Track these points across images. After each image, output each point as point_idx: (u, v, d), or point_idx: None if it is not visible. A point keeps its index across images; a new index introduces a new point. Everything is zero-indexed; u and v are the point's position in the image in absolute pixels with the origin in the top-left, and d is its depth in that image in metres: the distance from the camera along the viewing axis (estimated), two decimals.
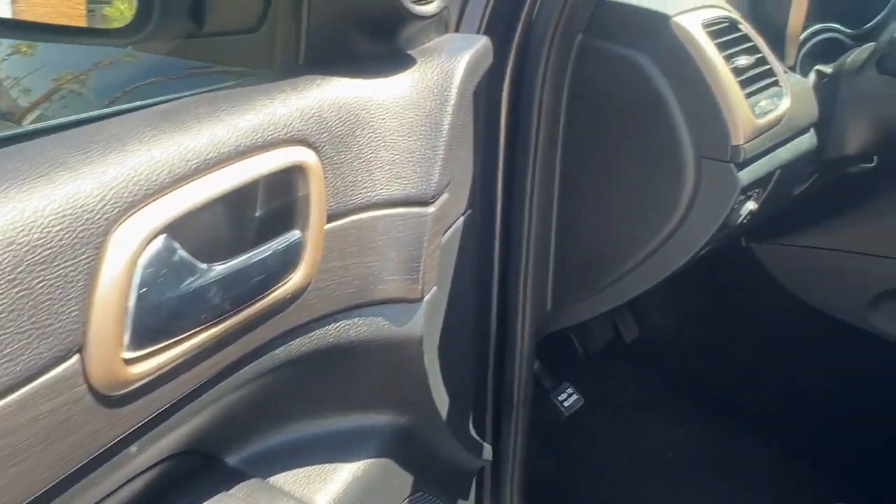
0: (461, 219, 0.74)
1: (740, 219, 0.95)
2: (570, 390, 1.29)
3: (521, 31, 0.88)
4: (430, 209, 0.61)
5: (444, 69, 0.62)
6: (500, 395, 1.06)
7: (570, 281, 1.05)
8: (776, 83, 0.95)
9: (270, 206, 0.52)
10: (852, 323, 1.53)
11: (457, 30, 0.88)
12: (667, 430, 1.66)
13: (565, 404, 1.26)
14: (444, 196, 0.62)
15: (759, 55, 0.94)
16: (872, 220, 1.48)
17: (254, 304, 0.51)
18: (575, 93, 0.95)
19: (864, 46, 1.10)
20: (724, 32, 0.91)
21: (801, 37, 1.10)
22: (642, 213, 0.97)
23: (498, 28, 0.88)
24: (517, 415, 1.09)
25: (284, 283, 0.53)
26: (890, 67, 1.01)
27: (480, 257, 0.96)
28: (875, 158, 1.18)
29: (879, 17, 1.21)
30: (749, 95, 0.90)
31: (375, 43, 0.62)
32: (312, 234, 0.54)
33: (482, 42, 0.68)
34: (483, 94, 0.90)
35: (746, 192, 0.94)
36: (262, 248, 0.51)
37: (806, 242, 1.55)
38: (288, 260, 0.53)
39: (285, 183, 0.52)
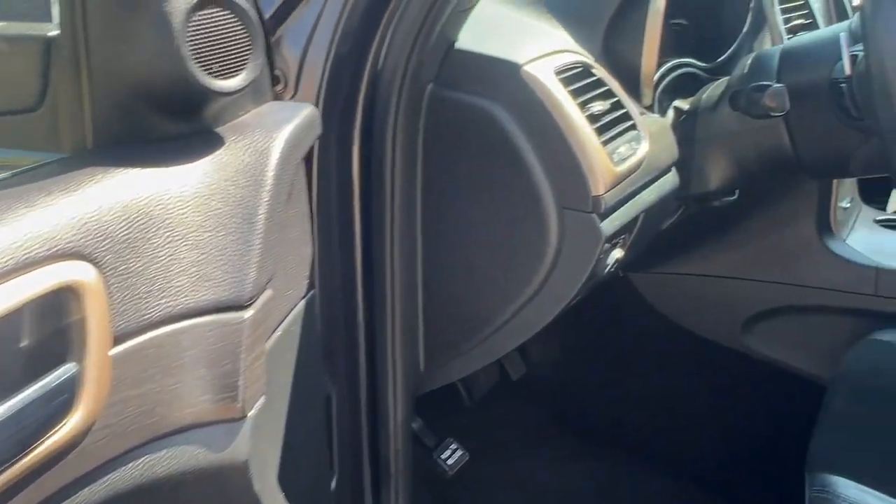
0: (300, 304, 0.66)
1: (608, 268, 0.91)
2: (453, 446, 1.22)
3: (366, 85, 0.81)
4: (248, 313, 0.53)
5: (258, 148, 0.54)
6: (377, 467, 1.00)
7: (442, 340, 1.00)
8: (633, 127, 0.92)
9: (34, 338, 0.42)
10: (728, 345, 1.55)
11: (296, 89, 0.81)
12: (559, 469, 1.63)
13: (449, 462, 1.20)
14: (266, 294, 0.54)
15: (615, 99, 0.91)
16: (741, 246, 1.50)
17: (18, 461, 0.41)
18: (430, 147, 0.89)
19: (718, 81, 1.09)
20: (577, 78, 0.87)
21: (658, 73, 1.09)
22: (508, 269, 0.92)
23: (341, 83, 0.81)
24: (396, 485, 1.02)
25: (58, 429, 0.43)
26: (741, 105, 1.00)
27: (346, 328, 0.89)
28: (737, 192, 1.19)
29: (731, 49, 1.22)
30: (606, 143, 0.87)
31: (175, 122, 0.54)
32: (93, 363, 0.45)
33: (306, 112, 0.61)
34: (332, 154, 0.83)
35: (612, 240, 0.91)
36: (25, 391, 0.42)
37: (681, 270, 1.57)
38: (61, 400, 0.43)
39: (53, 307, 0.43)
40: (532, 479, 1.60)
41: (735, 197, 1.18)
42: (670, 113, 1.11)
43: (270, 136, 0.55)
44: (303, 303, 0.66)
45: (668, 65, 1.12)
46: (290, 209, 0.61)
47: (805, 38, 1.04)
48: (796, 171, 1.05)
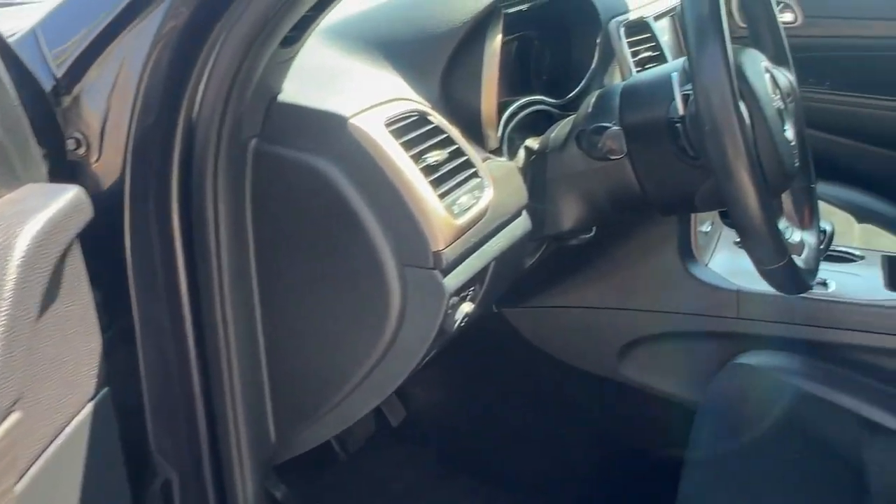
0: (87, 408, 0.58)
1: (457, 323, 0.87)
2: None
3: (180, 142, 0.75)
4: None
5: None
6: None
7: (292, 408, 0.94)
8: (475, 175, 0.89)
9: None
10: (605, 375, 1.55)
11: (100, 151, 0.74)
12: None
13: None
14: (14, 418, 0.47)
15: (454, 147, 0.87)
16: (610, 277, 1.51)
17: None
18: (260, 207, 0.84)
19: (565, 121, 1.08)
20: (411, 128, 0.84)
21: (508, 112, 1.07)
22: (353, 331, 0.87)
23: (152, 141, 0.75)
24: None
25: None
26: (584, 145, 0.99)
27: (183, 403, 0.82)
28: (593, 229, 1.18)
29: (581, 85, 1.22)
30: (445, 194, 0.83)
31: None
32: None
33: (68, 196, 0.54)
34: (151, 218, 0.76)
35: (459, 293, 0.87)
36: None
37: (553, 303, 1.56)
38: None
39: None
40: None
41: (592, 234, 1.17)
42: (521, 153, 1.08)
43: (11, 233, 0.48)
44: (90, 406, 0.59)
45: (518, 103, 1.10)
46: (61, 305, 0.53)
47: (644, 75, 1.05)
48: (645, 209, 1.05)
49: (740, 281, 1.43)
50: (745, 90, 0.90)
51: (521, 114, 1.10)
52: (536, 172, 1.06)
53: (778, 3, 2.15)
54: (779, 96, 0.99)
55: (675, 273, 1.45)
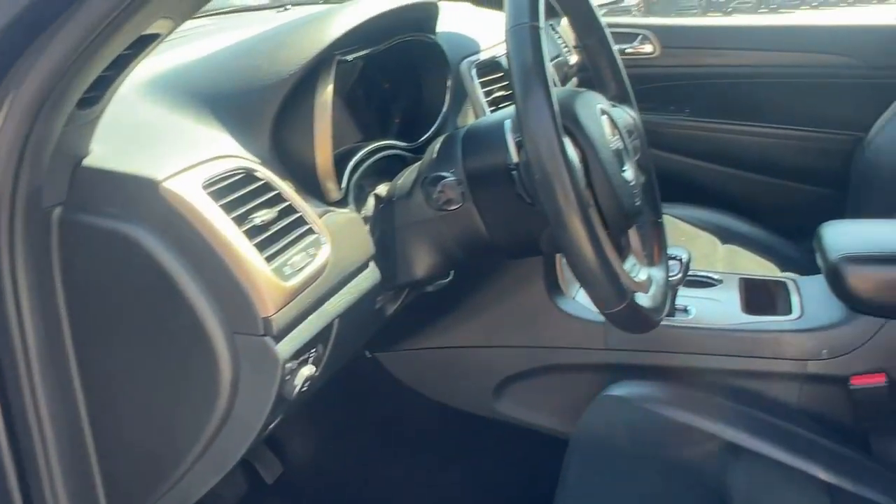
0: None
1: (297, 388, 0.83)
2: None
3: None
4: None
5: None
6: None
7: (126, 494, 0.86)
8: (310, 231, 0.85)
9: None
10: (481, 414, 1.54)
11: None
12: None
13: None
14: None
15: (285, 204, 0.83)
16: (481, 315, 1.50)
17: None
18: (72, 280, 0.77)
19: (412, 167, 1.06)
20: (234, 188, 0.79)
21: (356, 157, 1.04)
22: (183, 406, 0.81)
23: None
24: None
25: None
26: (424, 195, 0.98)
27: None
28: (451, 273, 1.16)
29: (434, 127, 1.20)
30: (274, 256, 0.79)
31: None
32: None
33: None
34: None
35: (297, 358, 0.83)
36: None
37: (426, 345, 1.54)
38: None
39: None
40: None
41: (449, 279, 1.15)
42: (370, 201, 1.05)
43: None
44: None
45: (368, 148, 1.07)
46: None
47: (483, 121, 1.04)
48: (495, 254, 1.04)
49: None
50: (578, 134, 0.90)
51: (372, 159, 1.08)
52: (385, 221, 1.03)
53: (636, 36, 2.24)
54: (617, 136, 1.00)
55: (543, 308, 1.45)
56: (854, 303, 1.32)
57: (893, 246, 1.33)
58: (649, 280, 1.02)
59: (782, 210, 2.11)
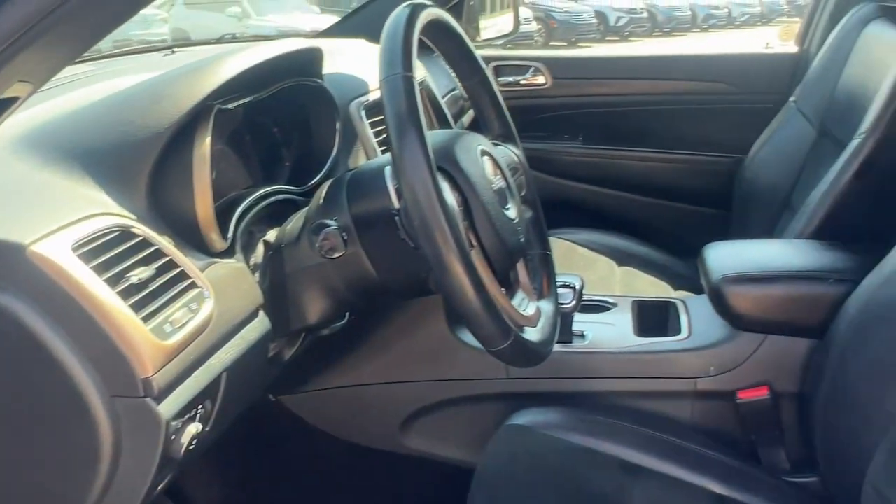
0: None
1: (184, 447, 0.82)
2: None
3: None
4: None
5: None
6: None
7: None
8: (193, 285, 0.84)
9: None
10: (390, 449, 1.54)
11: None
12: None
13: None
14: None
15: (165, 259, 0.82)
16: (385, 352, 1.51)
17: None
18: None
19: (300, 213, 1.06)
20: (108, 247, 0.78)
21: (244, 204, 1.03)
22: (64, 476, 0.79)
23: None
24: None
25: None
26: (308, 242, 0.99)
27: None
28: (346, 316, 1.16)
29: (325, 170, 1.21)
30: (154, 314, 0.78)
31: None
32: None
33: None
34: None
35: (182, 416, 0.81)
36: None
37: (332, 384, 1.54)
38: None
39: None
40: None
41: (345, 321, 1.16)
42: (260, 249, 1.05)
43: None
44: None
45: (256, 194, 1.07)
46: None
47: (366, 166, 1.06)
48: (386, 296, 1.05)
49: None
50: (458, 177, 0.93)
51: (261, 205, 1.07)
52: (275, 268, 1.03)
53: (529, 68, 2.31)
54: (500, 175, 1.03)
55: (445, 341, 1.47)
56: (736, 320, 1.39)
57: (768, 265, 1.41)
58: (538, 313, 1.06)
59: (674, 230, 2.21)
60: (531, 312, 1.03)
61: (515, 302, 1.02)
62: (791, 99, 2.03)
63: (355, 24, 2.05)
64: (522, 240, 1.03)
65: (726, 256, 1.44)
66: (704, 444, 1.36)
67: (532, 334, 0.98)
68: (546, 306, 1.10)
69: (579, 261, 2.01)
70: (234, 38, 2.17)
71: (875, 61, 1.68)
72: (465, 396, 1.49)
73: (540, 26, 16.01)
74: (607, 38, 17.27)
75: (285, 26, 10.20)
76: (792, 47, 2.28)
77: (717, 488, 1.26)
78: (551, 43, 16.10)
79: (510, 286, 1.06)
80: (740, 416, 1.39)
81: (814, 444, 1.31)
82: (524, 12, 14.78)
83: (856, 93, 1.72)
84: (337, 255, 0.97)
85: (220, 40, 2.01)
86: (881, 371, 1.18)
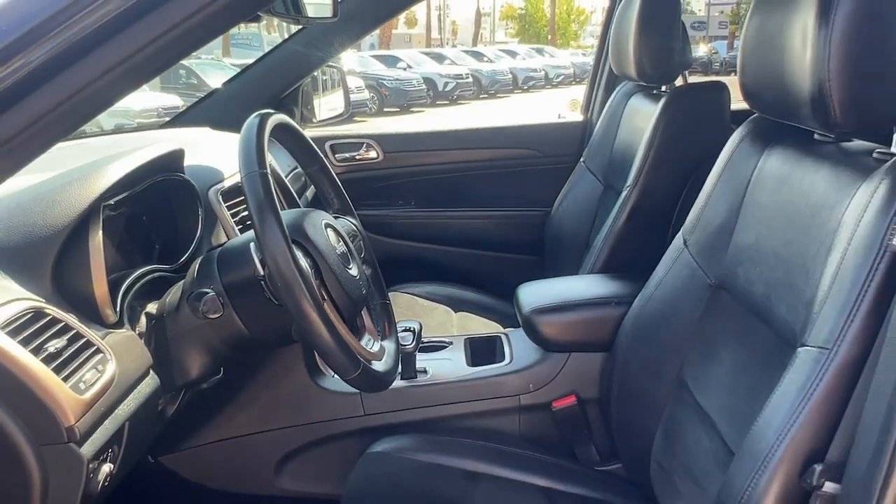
0: None
1: (100, 483, 0.99)
2: None
3: None
4: None
5: None
6: None
7: None
8: (97, 351, 1.03)
9: None
10: (266, 493, 1.71)
11: None
12: None
13: None
14: None
15: (72, 332, 1.01)
16: (253, 404, 1.70)
17: None
18: None
19: (177, 285, 1.27)
20: (27, 325, 0.95)
21: (126, 283, 1.22)
22: None
23: None
24: None
25: None
26: (189, 308, 1.20)
27: None
28: (221, 370, 1.37)
29: (191, 249, 1.41)
30: (69, 376, 0.96)
31: None
32: None
33: None
34: None
35: (98, 458, 0.99)
36: None
37: (207, 439, 1.70)
38: None
39: None
40: None
41: (221, 375, 1.36)
42: (142, 320, 1.24)
43: None
44: None
45: (136, 274, 1.26)
46: None
47: (233, 242, 1.28)
48: (257, 348, 1.27)
49: None
50: (308, 247, 1.18)
51: (140, 283, 1.26)
52: (159, 334, 1.22)
53: (362, 144, 2.60)
54: (341, 242, 1.28)
55: (306, 389, 1.69)
56: (545, 344, 1.71)
57: (566, 297, 1.74)
58: (382, 350, 1.31)
59: (498, 276, 2.53)
60: (376, 349, 1.29)
61: (363, 342, 1.27)
62: (581, 159, 2.44)
63: (198, 114, 2.27)
64: (364, 292, 1.28)
65: (534, 293, 1.77)
66: (530, 449, 1.65)
67: (378, 366, 1.24)
68: (388, 345, 1.35)
69: (420, 310, 2.30)
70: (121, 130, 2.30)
71: (636, 127, 2.10)
72: (329, 436, 1.70)
73: (373, 94, 16.63)
74: (437, 103, 18.14)
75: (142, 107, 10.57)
76: (578, 116, 2.71)
77: (541, 482, 1.54)
78: (385, 109, 16.74)
79: (357, 330, 1.31)
80: (556, 421, 1.69)
81: (614, 437, 1.63)
82: (356, 81, 15.30)
83: (626, 152, 2.13)
84: (214, 316, 1.18)
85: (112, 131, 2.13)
86: (652, 370, 1.53)
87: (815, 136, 1.21)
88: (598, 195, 2.27)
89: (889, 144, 1.04)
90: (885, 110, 1.03)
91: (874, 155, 1.09)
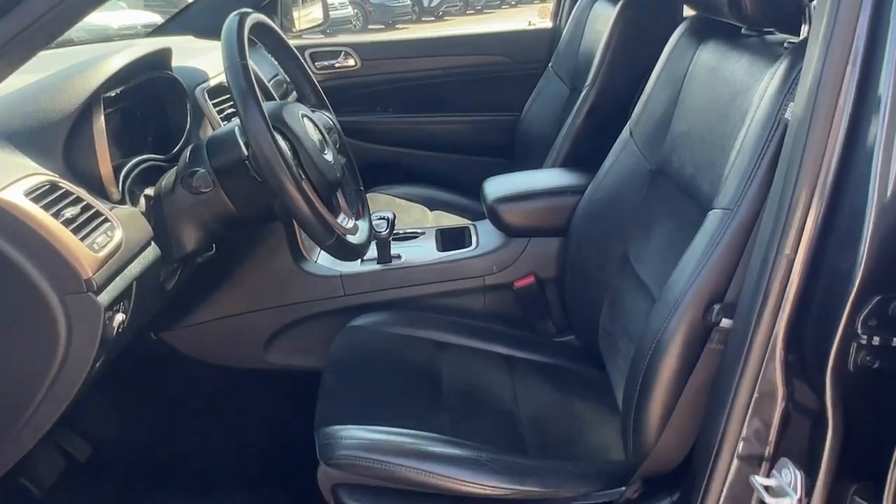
0: None
1: (115, 330, 1.16)
2: None
3: None
4: None
5: None
6: None
7: None
8: (106, 220, 1.19)
9: None
10: (258, 367, 1.90)
11: None
12: None
13: None
14: None
15: (84, 203, 1.16)
16: (242, 286, 1.87)
17: None
18: None
19: (172, 170, 1.42)
20: (46, 194, 1.11)
21: (125, 170, 1.37)
22: (31, 356, 1.11)
23: None
24: None
25: None
26: (184, 186, 1.35)
27: None
28: (214, 246, 1.53)
29: (182, 141, 1.56)
30: (85, 237, 1.12)
31: None
32: None
33: None
34: None
35: (112, 308, 1.16)
36: None
37: (202, 318, 1.87)
38: None
39: None
40: None
41: (214, 251, 1.53)
42: (142, 201, 1.39)
43: None
44: None
45: (133, 161, 1.41)
46: None
47: (220, 130, 1.42)
48: (244, 224, 1.43)
49: (342, 268, 1.88)
50: (287, 132, 1.33)
51: (137, 170, 1.41)
52: (157, 213, 1.38)
53: (340, 52, 2.71)
54: (317, 131, 1.43)
55: (291, 272, 1.86)
56: (508, 230, 1.88)
57: (527, 187, 1.90)
58: (356, 227, 1.48)
59: (471, 178, 2.68)
60: (351, 226, 1.45)
61: (339, 220, 1.44)
62: (549, 65, 2.57)
63: (180, 24, 2.37)
64: (339, 175, 1.44)
65: (498, 184, 1.93)
66: (494, 323, 1.84)
67: (353, 239, 1.41)
68: (362, 223, 1.52)
69: (397, 208, 2.45)
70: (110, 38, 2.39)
71: (598, 32, 2.22)
72: (312, 314, 1.88)
73: (356, 10, 16.32)
74: (423, 19, 17.84)
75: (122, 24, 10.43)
76: (548, 23, 2.82)
77: (504, 351, 1.73)
78: (369, 26, 16.48)
79: (334, 210, 1.48)
80: (517, 299, 1.88)
81: (568, 311, 1.82)
82: None
83: (588, 55, 2.25)
84: (205, 190, 1.33)
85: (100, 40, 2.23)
86: (600, 249, 1.70)
87: (742, 31, 1.35)
88: (565, 98, 2.39)
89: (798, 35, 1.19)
90: (791, 2, 1.17)
91: (784, 45, 1.24)
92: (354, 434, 1.31)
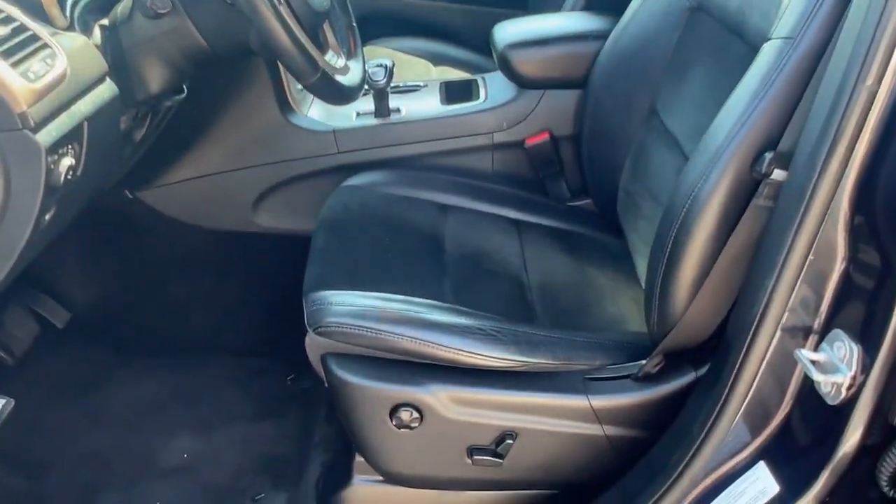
0: None
1: (62, 176, 1.00)
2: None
3: None
4: None
5: None
6: None
7: None
8: (45, 46, 1.00)
9: None
10: (247, 230, 1.76)
11: None
12: (131, 393, 1.71)
13: None
14: None
15: (17, 23, 0.98)
16: (225, 141, 1.69)
17: None
18: None
19: None
20: None
21: None
22: None
23: None
24: None
25: None
26: (140, 10, 1.15)
27: None
28: (185, 87, 1.34)
29: None
30: (17, 64, 0.94)
31: None
32: None
33: None
34: None
35: (57, 150, 0.99)
36: None
37: (183, 177, 1.71)
38: None
39: None
40: (105, 411, 1.66)
41: (185, 94, 1.34)
42: (96, 31, 1.20)
43: None
44: None
45: None
46: None
47: None
48: (215, 61, 1.24)
49: (336, 122, 1.70)
50: None
51: None
52: (114, 45, 1.19)
53: None
54: None
55: (279, 126, 1.68)
56: (520, 80, 1.68)
57: (543, 32, 1.69)
58: (346, 67, 1.29)
59: (480, 33, 2.45)
60: (341, 65, 1.26)
61: (327, 57, 1.24)
62: None
63: None
64: (326, 4, 1.24)
65: (510, 29, 1.71)
66: (504, 185, 1.67)
67: (343, 80, 1.22)
68: (353, 63, 1.33)
69: (398, 63, 2.24)
70: None
71: None
72: (304, 173, 1.71)
73: None
74: None
75: None
76: None
77: (512, 215, 1.58)
78: None
79: (321, 46, 1.28)
80: (529, 158, 1.70)
81: (585, 173, 1.65)
82: None
83: None
84: (164, 11, 1.14)
85: None
86: (624, 103, 1.51)
87: None
88: None
89: None
90: None
91: None
92: (345, 300, 1.19)
